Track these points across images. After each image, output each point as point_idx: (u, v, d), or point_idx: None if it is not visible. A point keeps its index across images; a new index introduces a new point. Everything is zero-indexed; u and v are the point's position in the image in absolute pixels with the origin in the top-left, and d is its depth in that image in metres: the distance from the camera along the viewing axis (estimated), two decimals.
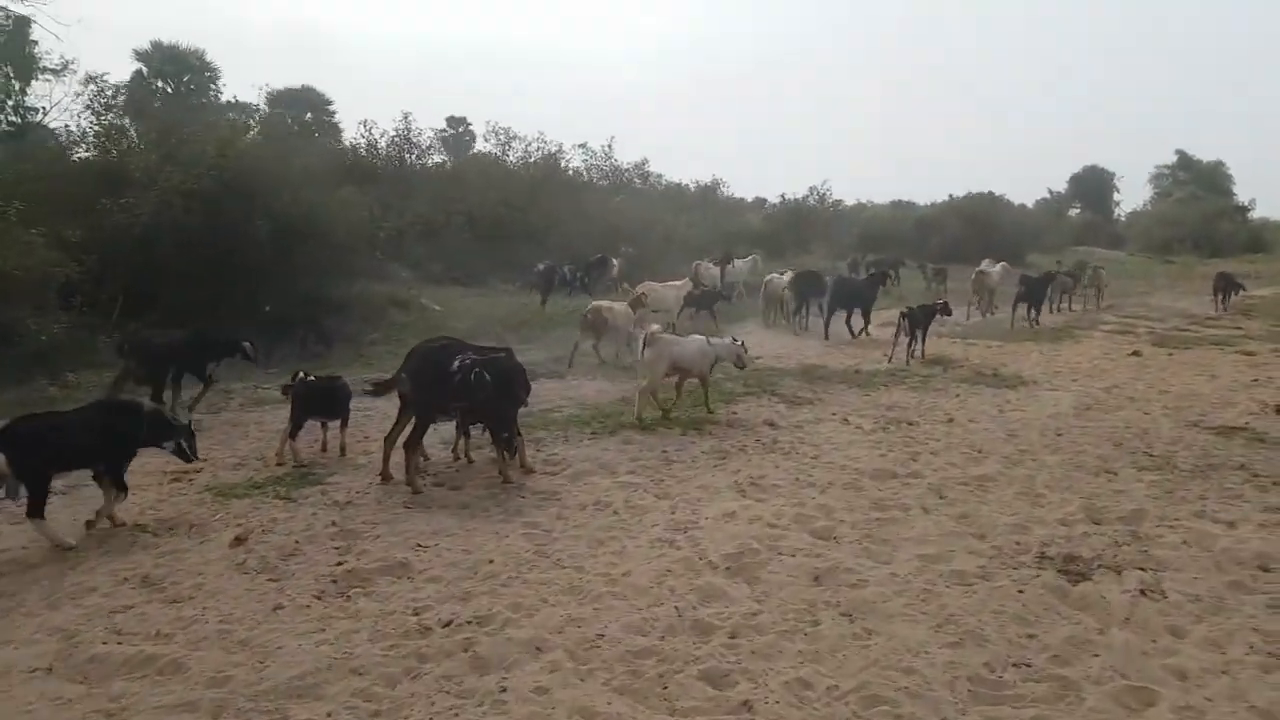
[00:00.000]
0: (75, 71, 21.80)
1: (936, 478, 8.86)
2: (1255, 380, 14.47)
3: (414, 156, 28.23)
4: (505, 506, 7.77)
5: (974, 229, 47.38)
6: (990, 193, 57.90)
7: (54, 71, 22.02)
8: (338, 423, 9.34)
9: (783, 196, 46.64)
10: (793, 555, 6.74)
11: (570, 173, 32.51)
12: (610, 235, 27.22)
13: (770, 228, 42.10)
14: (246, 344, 11.86)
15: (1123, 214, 79.17)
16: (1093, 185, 79.18)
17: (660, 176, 41.91)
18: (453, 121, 56.12)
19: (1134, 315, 24.76)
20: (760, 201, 50.83)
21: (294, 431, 8.88)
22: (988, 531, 7.38)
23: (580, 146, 34.20)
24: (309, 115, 42.26)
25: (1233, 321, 23.13)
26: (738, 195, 50.49)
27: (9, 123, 21.60)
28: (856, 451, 9.79)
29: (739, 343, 11.82)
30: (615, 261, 24.92)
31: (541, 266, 22.18)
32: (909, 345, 15.89)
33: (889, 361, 15.67)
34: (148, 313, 15.09)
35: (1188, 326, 22.04)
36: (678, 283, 19.79)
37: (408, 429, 8.23)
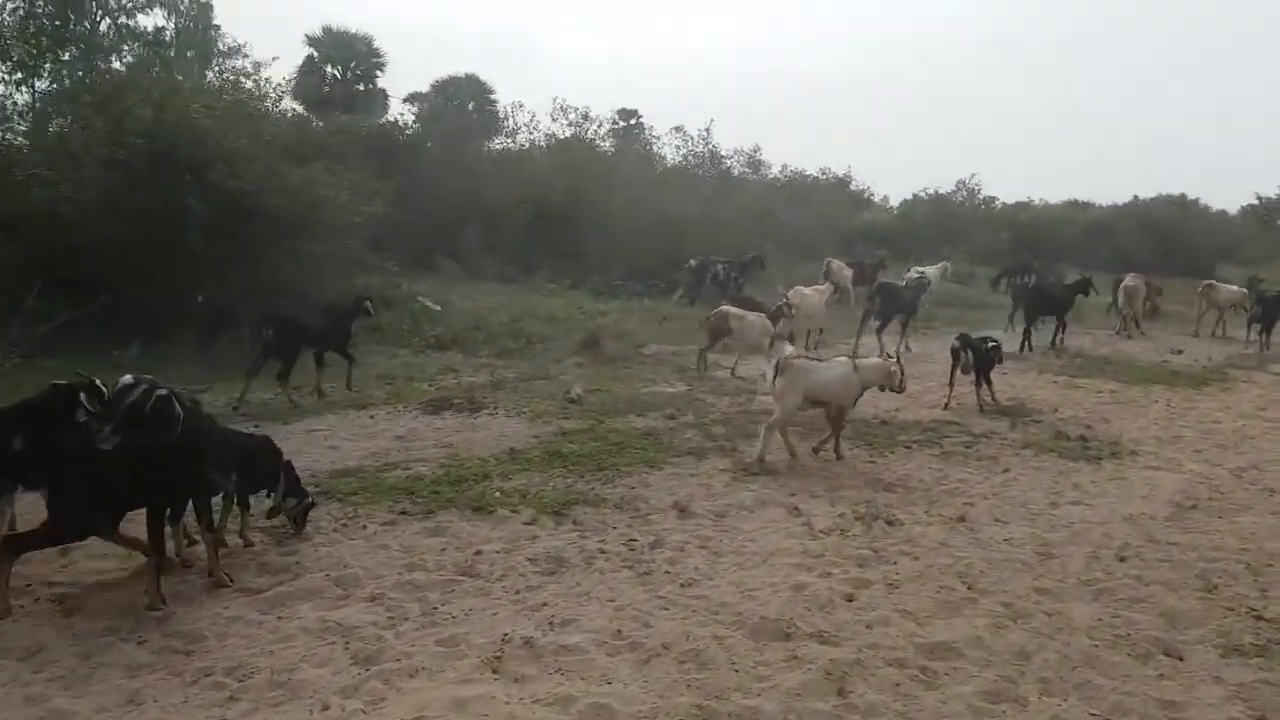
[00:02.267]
0: (248, 55, 23.44)
1: (858, 645, 5.38)
2: None
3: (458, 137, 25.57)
4: (76, 672, 4.81)
5: (1152, 237, 41.46)
6: (1182, 195, 51.27)
7: (225, 55, 24.17)
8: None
9: (924, 191, 41.80)
10: None
11: (657, 159, 29.33)
12: (684, 231, 23.84)
13: (904, 226, 37.54)
14: (368, 301, 12.18)
15: None
16: None
17: (784, 167, 37.84)
18: (624, 114, 53.76)
19: None
20: (903, 198, 45.70)
21: None
22: None
23: (676, 130, 30.86)
24: (471, 105, 40.82)
25: None
26: (878, 190, 45.71)
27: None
28: (767, 574, 6.36)
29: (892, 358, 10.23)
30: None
31: (694, 262, 20.85)
32: (975, 387, 12.04)
33: (945, 408, 11.83)
34: (75, 301, 13.18)
35: None
36: (821, 286, 17.91)
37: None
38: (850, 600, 6.02)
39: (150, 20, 22.18)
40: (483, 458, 8.71)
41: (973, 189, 41.09)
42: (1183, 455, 10.16)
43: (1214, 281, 21.55)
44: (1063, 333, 17.80)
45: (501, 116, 31.48)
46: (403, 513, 7.20)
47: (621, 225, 23.70)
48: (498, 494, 7.63)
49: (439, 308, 16.56)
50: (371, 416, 10.27)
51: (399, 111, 25.36)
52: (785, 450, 9.22)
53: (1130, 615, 5.96)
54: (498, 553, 6.52)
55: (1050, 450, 10.03)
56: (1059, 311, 17.76)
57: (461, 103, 40.13)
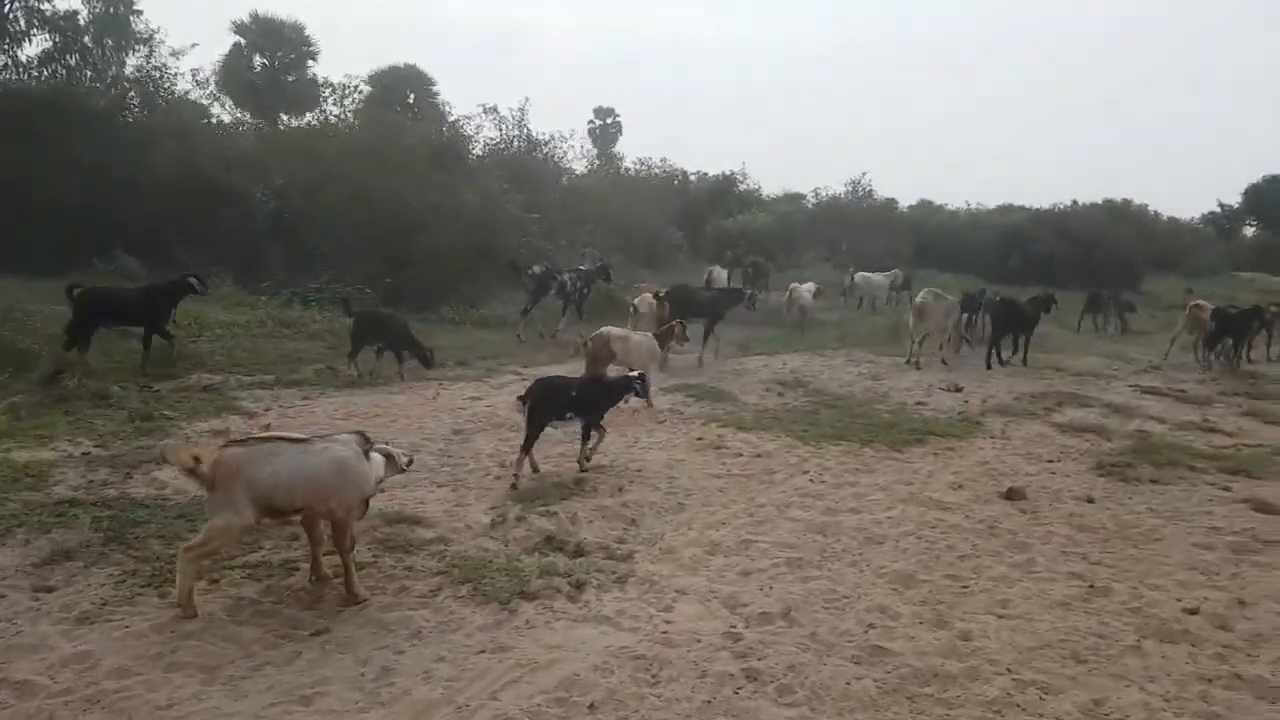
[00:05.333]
0: (164, 40, 22.39)
1: None
2: (1192, 610, 6.07)
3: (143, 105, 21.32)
4: None
5: (1074, 246, 37.69)
6: (1126, 201, 47.52)
7: (142, 41, 23.03)
8: None
9: (815, 192, 37.92)
10: None
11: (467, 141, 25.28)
12: (426, 227, 19.75)
13: (781, 229, 33.56)
14: (193, 278, 12.37)
15: None
16: (1274, 200, 64.99)
17: (642, 160, 34.06)
18: (600, 112, 51.09)
19: (1166, 386, 15.48)
20: (797, 196, 41.65)
21: None
22: None
23: (489, 111, 26.76)
24: (411, 95, 37.45)
25: None
26: (771, 191, 41.81)
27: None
28: None
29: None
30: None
31: (537, 269, 18.06)
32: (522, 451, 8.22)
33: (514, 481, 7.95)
34: None
35: (1217, 421, 12.70)
36: None
37: None
38: None
39: (65, 2, 21.35)
40: None
41: (865, 189, 37.21)
42: (707, 583, 6.25)
43: (1201, 301, 18.96)
44: (1026, 348, 16.98)
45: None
46: None
47: (357, 221, 19.73)
48: None
49: None
50: None
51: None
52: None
53: None
54: None
55: (467, 582, 6.02)
56: (1026, 329, 16.97)
57: (401, 94, 36.97)
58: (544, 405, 8.36)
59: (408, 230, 18.98)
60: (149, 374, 11.22)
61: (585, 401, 8.73)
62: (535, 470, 8.46)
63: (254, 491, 5.19)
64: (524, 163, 25.95)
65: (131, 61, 23.03)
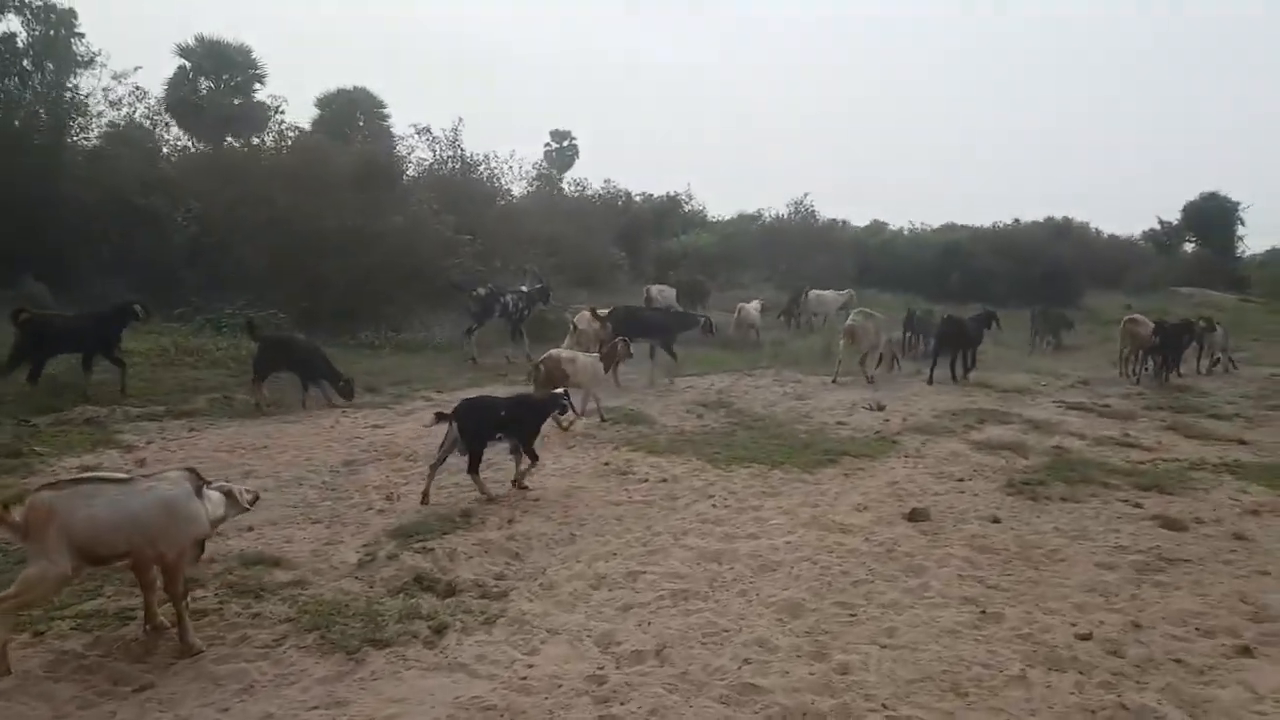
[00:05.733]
0: (104, 64, 21.35)
1: None
2: (1084, 636, 5.83)
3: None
4: None
5: (1014, 263, 37.97)
6: (1067, 219, 48.22)
7: (84, 64, 21.71)
8: None
9: (759, 212, 37.96)
10: None
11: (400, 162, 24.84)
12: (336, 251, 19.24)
13: (724, 249, 33.45)
14: (137, 305, 12.39)
15: (1247, 251, 66.63)
16: (1212, 217, 66.07)
17: (579, 181, 33.87)
18: (556, 135, 50.23)
19: (1090, 401, 15.47)
20: (751, 218, 41.71)
21: None
22: None
23: (421, 132, 26.15)
24: (361, 118, 36.63)
25: (1236, 427, 13.57)
26: (723, 212, 41.89)
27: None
28: None
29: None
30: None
31: (483, 291, 17.64)
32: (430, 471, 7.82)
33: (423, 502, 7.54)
34: None
35: (1138, 436, 12.63)
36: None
37: None
38: None
39: (4, 25, 20.17)
40: None
41: (808, 209, 37.27)
42: (584, 620, 5.91)
43: (1136, 315, 18.98)
44: (972, 364, 17.23)
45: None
46: None
47: (276, 244, 19.25)
48: None
49: None
50: None
51: None
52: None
53: None
54: None
55: (315, 630, 5.62)
56: (969, 346, 17.17)
57: (350, 117, 36.15)
58: (474, 426, 8.14)
59: (326, 253, 18.51)
60: (87, 397, 11.56)
61: (515, 422, 8.52)
62: (425, 501, 8.10)
63: (70, 537, 4.78)
64: (458, 184, 25.43)
65: (72, 85, 21.97)
